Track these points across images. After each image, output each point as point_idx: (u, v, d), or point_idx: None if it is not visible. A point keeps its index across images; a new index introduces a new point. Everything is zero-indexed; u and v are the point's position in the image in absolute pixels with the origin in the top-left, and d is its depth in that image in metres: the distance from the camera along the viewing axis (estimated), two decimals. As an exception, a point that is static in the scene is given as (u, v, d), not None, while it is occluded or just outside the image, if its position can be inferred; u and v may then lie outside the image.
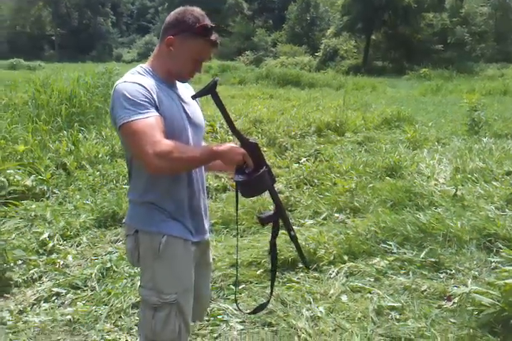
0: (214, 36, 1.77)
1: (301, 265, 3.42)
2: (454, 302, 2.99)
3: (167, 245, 1.77)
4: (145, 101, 1.64)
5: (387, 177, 5.39)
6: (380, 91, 18.90)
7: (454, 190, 4.86)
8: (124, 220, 1.96)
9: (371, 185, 5.08)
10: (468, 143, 7.42)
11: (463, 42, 32.31)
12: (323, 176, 5.56)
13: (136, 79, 1.70)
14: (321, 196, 4.96)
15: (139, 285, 1.88)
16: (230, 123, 1.76)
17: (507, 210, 4.50)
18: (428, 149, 7.06)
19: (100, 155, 5.79)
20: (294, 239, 1.97)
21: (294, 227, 3.75)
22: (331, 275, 3.33)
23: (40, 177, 4.87)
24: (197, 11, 1.78)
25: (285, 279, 3.30)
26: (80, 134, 6.20)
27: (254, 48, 40.97)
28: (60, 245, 3.74)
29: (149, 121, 1.61)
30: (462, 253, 3.66)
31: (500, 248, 3.64)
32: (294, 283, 3.23)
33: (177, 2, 54.71)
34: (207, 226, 1.99)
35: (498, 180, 5.44)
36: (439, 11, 34.89)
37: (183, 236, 1.82)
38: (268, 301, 2.08)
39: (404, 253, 3.62)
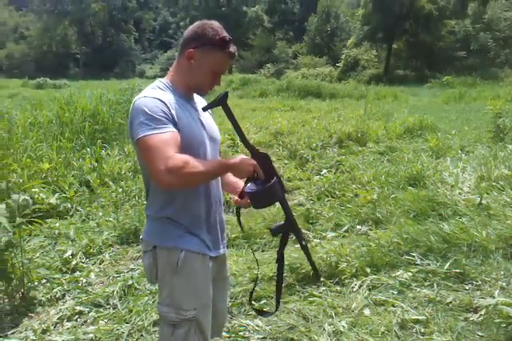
0: (233, 48, 1.81)
1: (322, 279, 3.40)
2: (480, 315, 2.91)
3: (185, 260, 1.78)
4: (163, 116, 1.67)
5: (410, 187, 5.31)
6: (401, 100, 18.74)
7: (479, 198, 4.77)
8: (141, 236, 1.98)
9: (393, 196, 5.02)
10: (493, 151, 7.27)
11: (486, 49, 31.87)
12: (345, 187, 5.52)
13: (155, 95, 1.73)
14: (343, 208, 4.92)
15: (158, 302, 1.88)
16: (240, 134, 1.79)
17: (535, 219, 4.40)
18: (451, 157, 6.94)
19: (123, 172, 5.87)
20: (305, 248, 1.99)
21: (315, 240, 3.76)
22: (354, 289, 3.29)
23: (64, 195, 4.96)
24: (215, 24, 1.83)
25: (306, 293, 3.26)
26: (103, 151, 6.30)
27: (275, 61, 41.18)
28: (83, 263, 3.79)
29: (164, 136, 1.63)
30: (488, 263, 3.57)
31: (528, 258, 3.56)
32: (315, 298, 3.19)
33: (199, 18, 55.43)
34: (224, 240, 2.00)
35: (526, 187, 5.31)
36: (462, 17, 34.53)
37: (201, 251, 1.84)
38: (275, 310, 2.09)
39: (428, 265, 3.56)
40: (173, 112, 1.71)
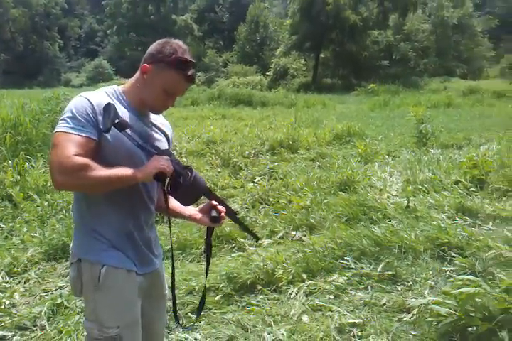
0: (190, 71, 1.73)
1: (259, 287, 3.38)
2: (413, 314, 3.00)
3: (107, 275, 1.69)
4: (85, 118, 1.61)
5: (341, 193, 5.44)
6: (330, 107, 19.27)
7: (406, 201, 4.95)
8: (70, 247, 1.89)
9: (326, 201, 5.11)
10: (417, 155, 7.61)
11: (407, 58, 33.61)
12: (279, 194, 5.56)
13: (90, 96, 1.67)
14: (277, 214, 4.94)
15: (84, 317, 1.79)
16: (141, 144, 1.71)
17: (457, 218, 4.63)
18: (379, 162, 7.20)
19: (49, 184, 5.58)
20: (237, 220, 1.97)
21: (251, 248, 3.75)
22: (291, 296, 3.29)
23: (-17, 210, 4.65)
24: (178, 44, 1.76)
25: (244, 303, 3.23)
26: (27, 163, 5.97)
27: (206, 69, 41.18)
28: (6, 283, 3.53)
29: (74, 137, 1.58)
30: (418, 264, 3.71)
31: (454, 256, 3.73)
32: (253, 306, 3.17)
33: (126, 26, 54.90)
34: (157, 257, 1.91)
35: (448, 189, 5.59)
36: (384, 28, 36.22)
37: (124, 266, 1.74)
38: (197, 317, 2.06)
39: (362, 268, 3.64)
40: (99, 118, 1.63)
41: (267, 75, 34.81)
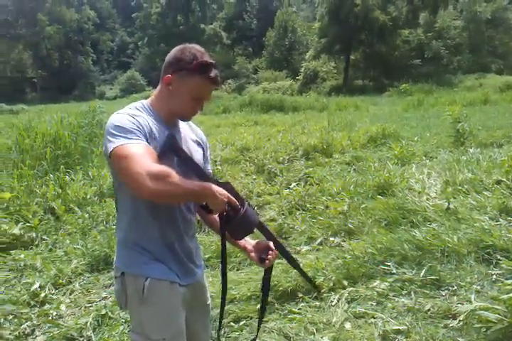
0: (213, 73, 1.71)
1: (300, 295, 3.36)
2: (459, 321, 2.92)
3: (151, 288, 1.71)
4: (135, 129, 1.60)
5: (379, 196, 5.35)
6: (363, 109, 19.08)
7: (447, 203, 4.84)
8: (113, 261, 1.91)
9: (364, 206, 5.04)
10: (455, 155, 7.44)
11: (439, 56, 32.97)
12: (315, 200, 5.52)
13: (129, 112, 1.68)
14: (315, 220, 4.91)
15: (130, 329, 1.81)
16: (199, 171, 1.72)
17: (501, 220, 4.48)
18: (416, 164, 7.07)
19: (88, 197, 5.73)
20: (298, 267, 2.02)
21: (292, 255, 3.72)
22: (333, 303, 3.26)
23: (28, 224, 4.79)
24: (196, 48, 1.75)
25: (286, 311, 3.22)
26: (67, 176, 6.14)
27: (236, 76, 41.44)
28: (53, 294, 3.63)
29: (140, 146, 1.55)
30: (462, 267, 3.61)
31: (500, 259, 3.60)
32: (295, 315, 3.15)
33: (156, 37, 55.82)
34: (198, 267, 1.92)
35: (489, 189, 5.43)
36: (414, 27, 35.68)
37: (168, 278, 1.76)
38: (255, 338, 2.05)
39: (404, 273, 3.56)
40: (146, 129, 1.64)
41: (297, 80, 34.75)
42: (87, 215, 5.20)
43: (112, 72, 61.06)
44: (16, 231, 4.50)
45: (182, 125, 1.88)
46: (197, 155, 1.88)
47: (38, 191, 5.67)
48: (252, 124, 14.85)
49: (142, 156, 1.50)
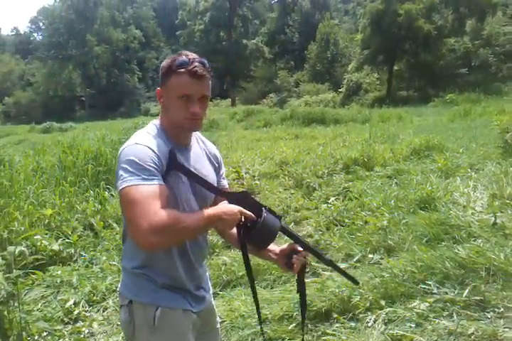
0: (190, 66, 1.61)
1: (335, 315, 3.23)
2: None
3: (162, 318, 1.64)
4: (153, 167, 1.53)
5: (421, 211, 5.15)
6: (406, 121, 18.66)
7: (493, 218, 4.60)
8: (118, 288, 1.85)
9: (404, 221, 4.86)
10: (503, 167, 7.11)
11: (487, 64, 31.96)
12: (354, 215, 5.38)
13: (146, 142, 1.60)
14: (353, 236, 4.77)
15: None
16: (209, 186, 1.67)
17: (553, 236, 4.22)
18: (461, 177, 6.79)
19: (127, 212, 5.78)
20: (330, 263, 1.89)
21: (326, 273, 3.61)
22: (369, 324, 3.12)
23: (67, 240, 4.87)
24: (174, 55, 1.70)
25: (319, 332, 3.10)
26: (106, 192, 6.24)
27: (278, 90, 41.60)
28: (86, 312, 3.64)
29: (151, 188, 1.48)
30: (509, 287, 3.39)
31: (551, 280, 3.38)
32: (329, 336, 3.03)
33: (200, 53, 56.45)
34: (208, 291, 1.87)
35: (540, 204, 5.14)
36: (460, 35, 34.83)
37: (181, 306, 1.70)
38: None
39: (446, 293, 3.38)
40: (164, 163, 1.57)
41: (340, 92, 34.52)
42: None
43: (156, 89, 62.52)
44: (56, 247, 4.58)
45: (194, 143, 1.82)
46: (209, 171, 1.82)
47: (78, 207, 5.77)
48: (292, 138, 14.78)
49: (149, 203, 1.44)
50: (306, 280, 3.67)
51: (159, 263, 1.67)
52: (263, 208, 1.65)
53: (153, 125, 1.74)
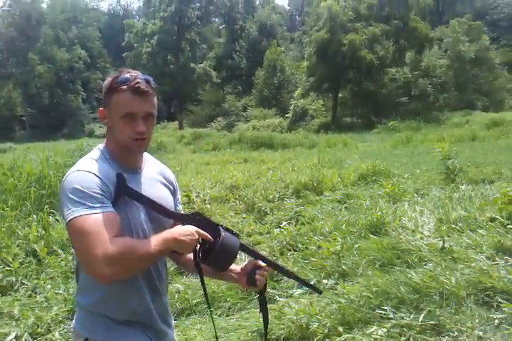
0: (132, 83, 1.53)
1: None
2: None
3: None
4: (98, 193, 1.44)
5: (372, 235, 5.22)
6: (352, 146, 19.18)
7: (441, 242, 4.73)
8: (71, 325, 1.72)
9: (357, 246, 4.90)
10: (447, 192, 7.38)
11: (426, 94, 33.60)
12: (307, 240, 5.37)
13: (90, 168, 1.50)
14: (307, 261, 4.75)
15: None
16: (162, 210, 1.59)
17: (497, 259, 4.37)
18: (408, 201, 6.98)
19: (73, 238, 5.52)
20: (292, 275, 1.91)
21: (281, 299, 3.55)
22: (328, 352, 3.08)
23: (7, 268, 4.56)
24: (119, 70, 1.63)
25: (279, 361, 3.03)
26: (51, 217, 5.94)
27: (225, 114, 41.83)
28: (29, 345, 3.40)
29: (101, 217, 1.40)
30: (462, 311, 3.46)
31: (500, 302, 3.47)
32: (289, 366, 2.96)
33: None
34: (169, 328, 1.75)
35: (483, 227, 5.35)
36: (401, 65, 36.55)
37: None
38: None
39: (402, 318, 3.39)
40: (111, 188, 1.49)
41: (287, 117, 35.13)
42: (70, 257, 4.99)
43: (102, 110, 61.27)
44: (-6, 276, 4.28)
45: (146, 166, 1.72)
46: (165, 195, 1.73)
47: (20, 232, 5.45)
48: (241, 162, 14.80)
49: (100, 233, 1.36)
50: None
51: (121, 294, 1.56)
52: (220, 227, 1.59)
53: (97, 150, 1.64)
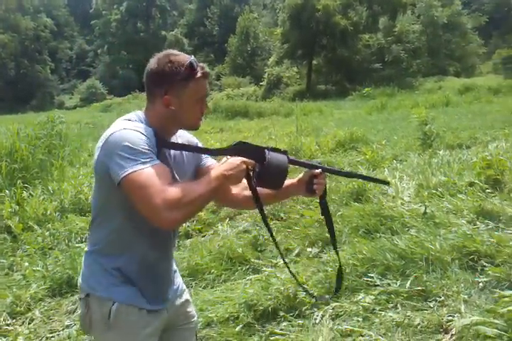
0: (200, 68, 1.63)
1: (282, 313, 3.14)
2: (451, 335, 2.76)
3: (118, 314, 1.57)
4: (147, 149, 1.50)
5: (354, 203, 5.20)
6: (327, 114, 19.07)
7: (422, 207, 4.73)
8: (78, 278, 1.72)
9: (340, 213, 4.88)
10: (425, 158, 7.39)
11: (399, 60, 33.50)
12: (289, 209, 5.33)
13: (135, 127, 1.55)
14: (290, 230, 4.71)
15: None
16: (201, 150, 1.75)
17: (478, 223, 4.39)
18: (387, 168, 6.97)
19: (49, 213, 5.36)
20: (353, 174, 1.98)
21: (268, 269, 3.50)
22: (317, 321, 3.05)
23: (-20, 245, 4.41)
24: (170, 54, 1.64)
25: (267, 332, 2.98)
26: (24, 192, 5.75)
27: (199, 83, 41.10)
28: (8, 325, 3.28)
29: (153, 170, 1.46)
30: (447, 276, 3.46)
31: (485, 266, 3.49)
32: (278, 336, 2.92)
33: (116, 44, 54.93)
34: (176, 289, 1.81)
35: (463, 192, 5.37)
36: (374, 31, 36.21)
37: (137, 304, 1.61)
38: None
39: (389, 285, 3.39)
40: (154, 144, 1.55)
41: (261, 85, 34.69)
42: (47, 233, 4.85)
43: (71, 81, 59.51)
44: (-33, 253, 4.12)
45: (178, 140, 1.79)
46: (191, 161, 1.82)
47: (-8, 208, 5.27)
48: (217, 131, 14.62)
49: (156, 184, 1.43)
50: (248, 278, 3.57)
51: (134, 249, 1.62)
52: (265, 150, 1.65)
53: (134, 115, 1.67)
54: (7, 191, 5.70)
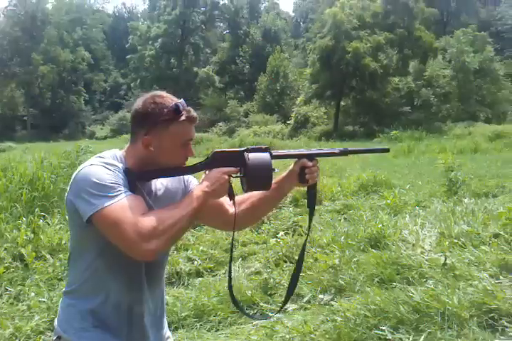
0: (186, 111, 1.59)
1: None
2: None
3: None
4: (114, 182, 1.47)
5: (372, 249, 5.05)
6: (352, 155, 18.94)
7: (442, 257, 4.55)
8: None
9: (355, 259, 4.72)
10: (449, 205, 7.20)
11: (429, 104, 33.49)
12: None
13: (103, 163, 1.52)
14: (303, 275, 4.57)
15: None
16: (176, 170, 1.66)
17: (501, 277, 4.18)
18: (409, 214, 6.80)
19: (63, 242, 5.35)
20: (347, 151, 1.96)
21: (276, 315, 3.36)
22: (321, 375, 2.89)
23: (-8, 272, 4.39)
24: (157, 94, 1.59)
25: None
26: (41, 220, 5.76)
27: (227, 119, 41.73)
28: (4, 359, 3.22)
29: (123, 203, 1.43)
30: (464, 334, 3.27)
31: (506, 326, 3.28)
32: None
33: (149, 79, 56.48)
34: (157, 332, 1.70)
35: (486, 243, 5.16)
36: (404, 74, 36.46)
37: None
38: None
39: (401, 340, 3.22)
40: (123, 179, 1.51)
41: (288, 124, 34.99)
42: (58, 263, 4.82)
43: (104, 112, 61.20)
44: (-23, 281, 4.10)
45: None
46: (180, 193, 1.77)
47: (8, 235, 5.29)
48: (241, 168, 14.61)
49: (128, 217, 1.40)
50: (254, 323, 3.44)
51: (106, 290, 1.55)
52: (244, 153, 1.60)
53: (109, 152, 1.63)
54: (24, 218, 5.73)
